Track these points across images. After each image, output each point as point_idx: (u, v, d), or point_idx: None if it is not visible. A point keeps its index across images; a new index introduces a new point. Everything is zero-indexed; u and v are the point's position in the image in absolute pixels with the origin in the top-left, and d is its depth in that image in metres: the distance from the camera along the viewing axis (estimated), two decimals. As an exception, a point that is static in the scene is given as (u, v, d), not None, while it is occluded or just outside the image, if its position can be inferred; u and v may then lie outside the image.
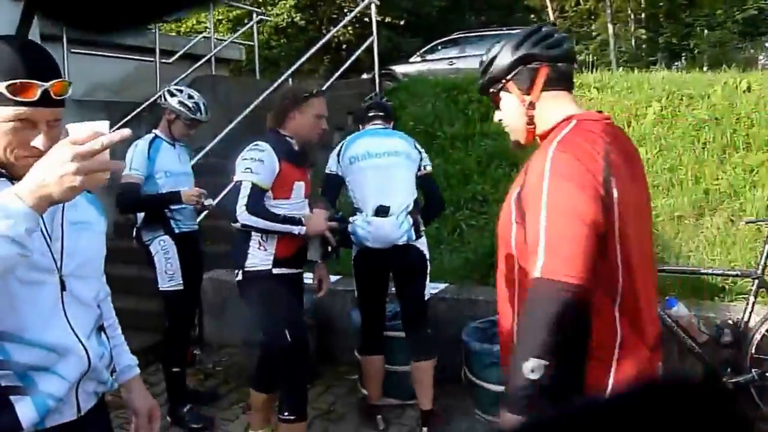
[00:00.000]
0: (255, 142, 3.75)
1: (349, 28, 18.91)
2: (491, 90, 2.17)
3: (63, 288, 1.73)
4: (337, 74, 9.25)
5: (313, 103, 3.81)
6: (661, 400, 0.58)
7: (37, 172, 1.37)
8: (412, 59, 15.44)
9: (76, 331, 1.75)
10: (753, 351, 4.24)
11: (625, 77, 8.89)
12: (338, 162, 4.35)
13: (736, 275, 4.69)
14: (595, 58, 15.70)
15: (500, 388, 4.41)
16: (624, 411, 0.59)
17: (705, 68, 11.22)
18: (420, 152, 4.42)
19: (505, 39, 2.12)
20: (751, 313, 4.28)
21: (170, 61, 9.53)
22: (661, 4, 25.80)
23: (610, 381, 1.93)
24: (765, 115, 6.83)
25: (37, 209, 1.36)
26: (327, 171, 4.40)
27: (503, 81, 2.11)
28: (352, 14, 10.99)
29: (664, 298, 4.45)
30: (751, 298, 4.30)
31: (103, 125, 1.43)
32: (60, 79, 1.60)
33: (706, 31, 22.22)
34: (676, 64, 19.68)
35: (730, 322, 4.29)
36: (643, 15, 26.86)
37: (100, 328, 1.91)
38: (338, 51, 20.31)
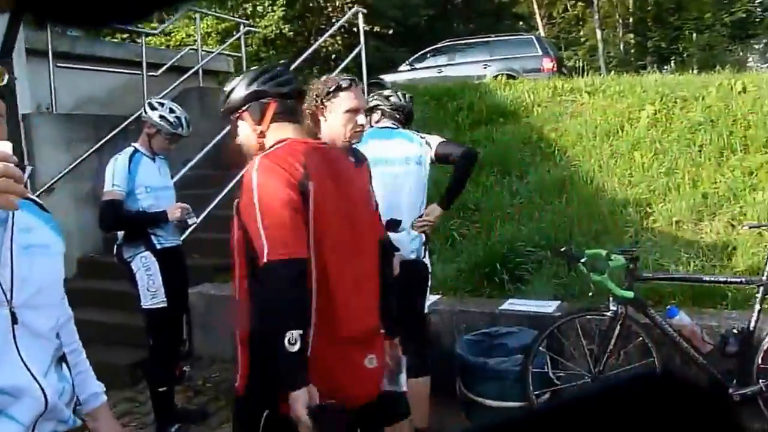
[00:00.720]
0: None
1: (338, 38, 18.87)
2: (231, 117, 2.51)
3: (14, 321, 1.56)
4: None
5: (339, 98, 3.09)
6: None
7: None
8: (401, 68, 15.40)
9: (31, 369, 1.58)
10: (760, 361, 4.06)
11: (617, 81, 8.82)
12: None
13: (740, 283, 4.53)
14: (584, 63, 15.63)
15: (498, 404, 4.25)
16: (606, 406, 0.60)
17: (695, 71, 11.14)
18: (427, 143, 4.21)
19: (248, 74, 2.51)
20: (757, 321, 4.12)
21: (158, 73, 9.40)
22: (649, 8, 25.91)
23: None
24: (762, 117, 6.73)
25: None
26: None
27: (238, 111, 2.46)
28: (339, 24, 10.93)
29: (666, 307, 4.31)
30: (757, 306, 4.12)
31: (5, 145, 1.36)
32: None
33: (694, 34, 22.31)
34: (665, 68, 19.65)
35: (735, 331, 4.12)
36: (631, 20, 26.96)
37: (60, 359, 1.74)
38: (327, 61, 20.23)
